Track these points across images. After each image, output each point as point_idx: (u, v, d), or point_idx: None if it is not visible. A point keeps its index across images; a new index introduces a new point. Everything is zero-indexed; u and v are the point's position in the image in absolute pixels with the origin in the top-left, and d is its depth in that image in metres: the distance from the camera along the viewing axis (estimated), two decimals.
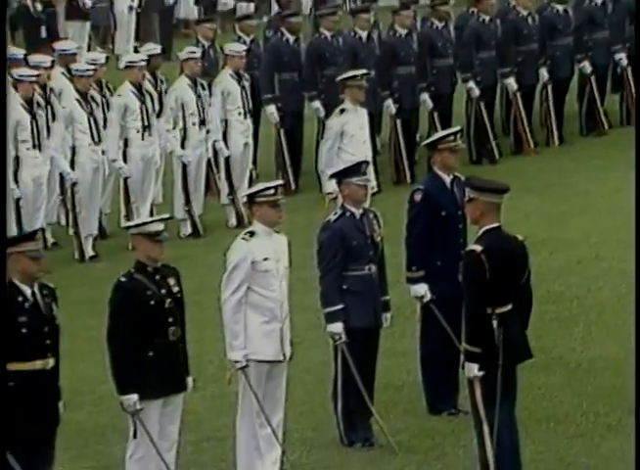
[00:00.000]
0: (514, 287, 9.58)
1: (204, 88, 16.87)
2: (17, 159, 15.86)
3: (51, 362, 9.22)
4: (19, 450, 9.08)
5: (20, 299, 9.17)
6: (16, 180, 15.78)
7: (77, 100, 16.28)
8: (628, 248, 14.54)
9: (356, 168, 11.01)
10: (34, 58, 17.25)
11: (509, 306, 9.55)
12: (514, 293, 9.58)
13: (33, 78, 16.18)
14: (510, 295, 9.56)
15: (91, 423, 10.24)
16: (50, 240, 16.04)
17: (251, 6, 26.75)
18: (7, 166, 14.72)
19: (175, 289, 9.70)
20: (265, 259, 10.16)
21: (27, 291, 9.22)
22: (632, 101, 19.43)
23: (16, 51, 18.26)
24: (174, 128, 16.68)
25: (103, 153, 16.35)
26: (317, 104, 17.78)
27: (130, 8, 25.97)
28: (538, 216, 14.90)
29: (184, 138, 16.69)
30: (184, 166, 16.70)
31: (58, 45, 18.80)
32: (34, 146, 16.03)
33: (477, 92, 18.51)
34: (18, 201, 15.78)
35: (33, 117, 16.05)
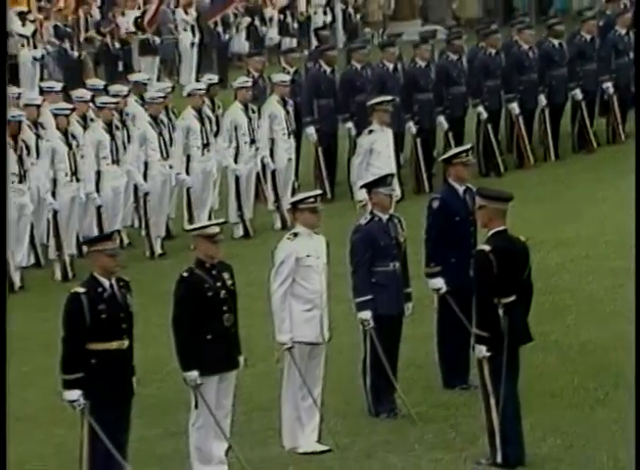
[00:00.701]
0: (517, 281, 9.58)
1: (254, 112, 16.90)
2: (98, 173, 15.94)
3: (126, 343, 9.25)
4: (101, 418, 9.12)
5: (99, 290, 9.20)
6: (97, 190, 15.87)
7: (149, 123, 16.36)
8: (614, 248, 14.55)
9: (383, 180, 11.01)
10: (113, 88, 17.40)
11: (513, 297, 9.54)
12: (517, 286, 9.58)
13: (112, 105, 16.29)
14: (514, 287, 9.56)
15: (160, 396, 10.26)
16: (125, 240, 16.09)
17: (294, 41, 26.72)
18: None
19: (229, 282, 9.71)
20: (307, 256, 10.17)
21: (106, 283, 9.24)
22: (617, 124, 19.40)
23: (97, 82, 18.36)
24: (229, 146, 16.71)
25: (170, 167, 16.41)
26: (349, 125, 17.79)
27: (192, 44, 26.01)
28: (538, 221, 14.88)
29: (237, 154, 16.73)
30: (237, 178, 16.74)
31: (132, 77, 18.94)
32: (113, 161, 16.13)
33: (485, 115, 18.50)
34: (99, 208, 15.87)
35: (112, 137, 16.15)
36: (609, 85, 19.17)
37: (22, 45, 23.39)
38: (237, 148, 16.68)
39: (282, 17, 27.71)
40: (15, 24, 23.44)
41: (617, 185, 17.03)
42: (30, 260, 15.68)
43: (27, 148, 15.49)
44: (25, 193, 15.37)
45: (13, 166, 15.24)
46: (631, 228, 14.82)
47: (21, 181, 15.30)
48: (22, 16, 23.50)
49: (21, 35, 23.49)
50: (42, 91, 18.31)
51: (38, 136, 15.73)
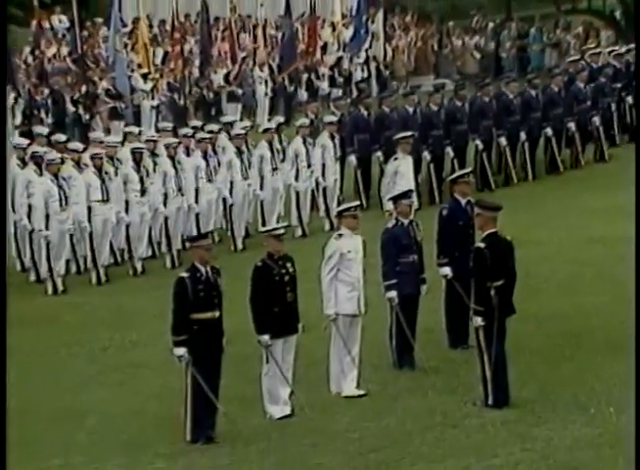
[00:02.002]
0: (504, 269, 9.52)
1: (310, 144, 16.82)
2: (196, 189, 15.89)
3: (217, 314, 9.28)
4: (200, 369, 9.13)
5: (198, 274, 9.24)
6: (196, 202, 15.83)
7: (234, 152, 16.36)
8: (577, 246, 14.43)
9: (405, 194, 10.99)
10: (208, 127, 17.35)
11: (501, 281, 9.48)
12: (505, 273, 9.51)
13: (208, 140, 16.30)
14: (502, 274, 9.49)
15: (241, 353, 10.28)
16: (217, 238, 16.09)
17: (340, 91, 26.67)
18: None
19: (291, 270, 9.69)
20: (349, 252, 10.14)
21: (203, 270, 9.27)
22: (578, 153, 19.27)
23: (197, 123, 18.40)
24: (291, 169, 16.66)
25: (249, 185, 16.41)
26: (379, 154, 17.70)
27: (266, 94, 26.02)
28: (520, 225, 14.70)
29: (297, 175, 16.66)
30: (297, 193, 16.68)
31: (222, 118, 18.92)
32: (208, 180, 16.08)
33: (481, 146, 18.33)
34: (197, 215, 15.89)
35: (207, 163, 16.11)
36: (572, 125, 19.00)
37: (144, 98, 23.58)
38: (297, 171, 16.62)
39: (331, 73, 27.70)
40: (139, 82, 23.62)
41: (579, 198, 16.91)
42: (148, 253, 15.75)
43: (147, 171, 15.57)
44: (145, 204, 15.45)
45: (136, 184, 15.32)
46: (589, 230, 14.79)
47: (142, 195, 15.38)
48: (144, 76, 23.71)
49: (143, 90, 23.66)
50: (158, 130, 18.41)
51: (155, 163, 15.81)
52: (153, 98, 23.85)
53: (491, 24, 29.40)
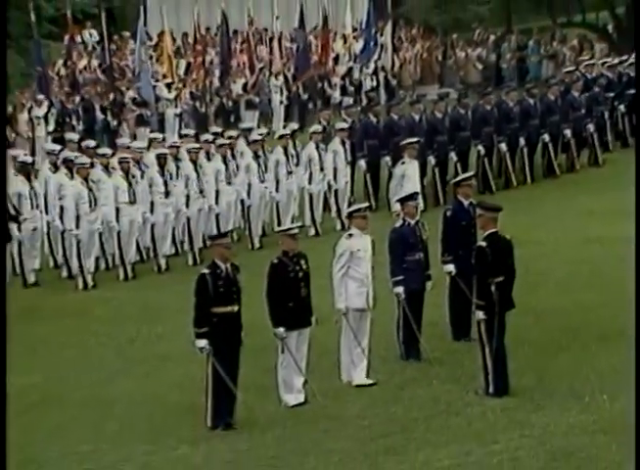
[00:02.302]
0: (504, 266, 9.47)
1: (322, 149, 16.75)
2: (217, 191, 15.88)
3: (236, 308, 9.27)
4: (220, 359, 9.13)
5: (218, 271, 9.22)
6: (216, 203, 15.80)
7: (252, 157, 16.32)
8: (573, 244, 14.36)
9: (411, 196, 10.95)
10: (227, 133, 17.31)
11: (502, 278, 9.45)
12: (505, 270, 9.48)
13: (227, 145, 16.25)
14: (502, 271, 9.45)
15: (258, 344, 10.26)
16: (235, 237, 16.05)
17: (351, 100, 26.58)
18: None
19: (304, 267, 9.67)
20: (358, 250, 10.11)
21: (223, 266, 9.25)
22: (573, 158, 19.18)
23: (217, 129, 18.38)
24: (305, 173, 16.57)
25: (265, 187, 16.38)
26: (388, 159, 17.65)
27: (281, 102, 25.97)
28: (519, 225, 14.63)
29: (310, 178, 16.61)
30: (310, 195, 16.62)
31: (241, 125, 18.90)
32: (227, 183, 16.06)
33: (483, 151, 18.26)
34: (217, 215, 15.87)
35: (227, 166, 16.08)
36: (568, 132, 18.89)
37: (168, 106, 23.60)
38: (310, 174, 16.56)
39: (342, 82, 27.63)
40: (163, 92, 23.61)
41: (575, 200, 16.83)
42: (172, 251, 15.74)
43: (171, 175, 15.56)
44: (169, 205, 15.44)
45: (160, 187, 15.31)
46: (585, 230, 14.71)
47: (166, 197, 15.37)
48: (168, 85, 23.72)
49: (167, 99, 23.67)
50: (181, 136, 18.38)
51: (178, 167, 15.79)
52: (176, 106, 23.86)
53: (492, 37, 29.30)
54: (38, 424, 9.52)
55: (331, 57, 26.99)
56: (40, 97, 22.36)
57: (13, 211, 14.44)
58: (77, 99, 23.42)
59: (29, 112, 21.95)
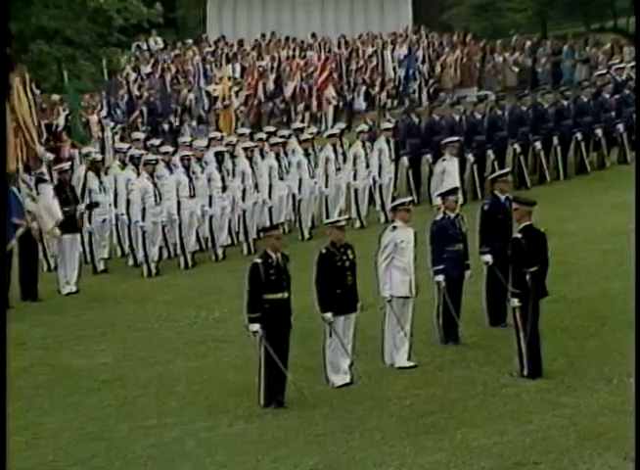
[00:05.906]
0: (538, 257, 9.39)
1: (369, 148, 16.67)
2: (270, 185, 15.81)
3: (286, 294, 9.23)
4: (271, 342, 9.12)
5: (270, 260, 9.20)
6: (270, 197, 15.78)
7: (303, 154, 16.31)
8: (603, 236, 14.19)
9: (451, 191, 10.90)
10: (280, 132, 17.23)
11: (536, 267, 9.37)
12: (539, 260, 9.39)
13: (280, 143, 16.21)
14: (536, 261, 9.37)
15: (307, 328, 10.27)
16: (286, 229, 16.02)
17: (395, 101, 26.45)
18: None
19: (351, 256, 9.62)
20: (402, 241, 10.06)
21: (274, 256, 9.23)
22: (604, 156, 18.80)
23: (270, 129, 18.31)
24: (352, 169, 16.51)
25: (315, 183, 16.34)
26: (428, 156, 17.53)
27: (329, 102, 25.86)
28: (552, 218, 14.50)
29: (356, 174, 16.55)
30: (356, 190, 16.58)
31: (293, 125, 18.82)
32: (280, 179, 16.01)
33: (519, 150, 18.08)
34: (270, 208, 15.86)
35: (280, 164, 16.02)
36: (599, 131, 18.68)
37: (224, 107, 23.62)
38: (356, 170, 16.53)
39: (388, 85, 27.44)
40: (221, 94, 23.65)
41: (605, 194, 16.64)
42: (228, 241, 15.78)
43: (228, 171, 15.59)
44: (226, 199, 15.48)
45: (218, 182, 15.34)
46: (613, 223, 14.50)
47: (223, 191, 15.41)
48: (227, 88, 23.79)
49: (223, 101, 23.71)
50: (237, 135, 18.39)
51: (234, 163, 15.82)
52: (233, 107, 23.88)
53: (529, 43, 28.98)
54: (108, 400, 9.60)
55: (377, 62, 26.86)
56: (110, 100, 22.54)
57: (88, 201, 14.56)
58: (142, 101, 23.57)
59: (99, 114, 22.13)
